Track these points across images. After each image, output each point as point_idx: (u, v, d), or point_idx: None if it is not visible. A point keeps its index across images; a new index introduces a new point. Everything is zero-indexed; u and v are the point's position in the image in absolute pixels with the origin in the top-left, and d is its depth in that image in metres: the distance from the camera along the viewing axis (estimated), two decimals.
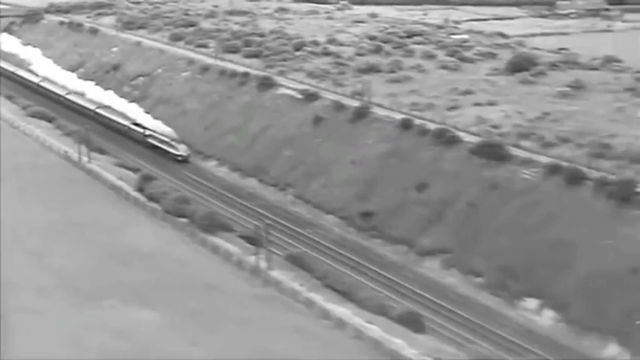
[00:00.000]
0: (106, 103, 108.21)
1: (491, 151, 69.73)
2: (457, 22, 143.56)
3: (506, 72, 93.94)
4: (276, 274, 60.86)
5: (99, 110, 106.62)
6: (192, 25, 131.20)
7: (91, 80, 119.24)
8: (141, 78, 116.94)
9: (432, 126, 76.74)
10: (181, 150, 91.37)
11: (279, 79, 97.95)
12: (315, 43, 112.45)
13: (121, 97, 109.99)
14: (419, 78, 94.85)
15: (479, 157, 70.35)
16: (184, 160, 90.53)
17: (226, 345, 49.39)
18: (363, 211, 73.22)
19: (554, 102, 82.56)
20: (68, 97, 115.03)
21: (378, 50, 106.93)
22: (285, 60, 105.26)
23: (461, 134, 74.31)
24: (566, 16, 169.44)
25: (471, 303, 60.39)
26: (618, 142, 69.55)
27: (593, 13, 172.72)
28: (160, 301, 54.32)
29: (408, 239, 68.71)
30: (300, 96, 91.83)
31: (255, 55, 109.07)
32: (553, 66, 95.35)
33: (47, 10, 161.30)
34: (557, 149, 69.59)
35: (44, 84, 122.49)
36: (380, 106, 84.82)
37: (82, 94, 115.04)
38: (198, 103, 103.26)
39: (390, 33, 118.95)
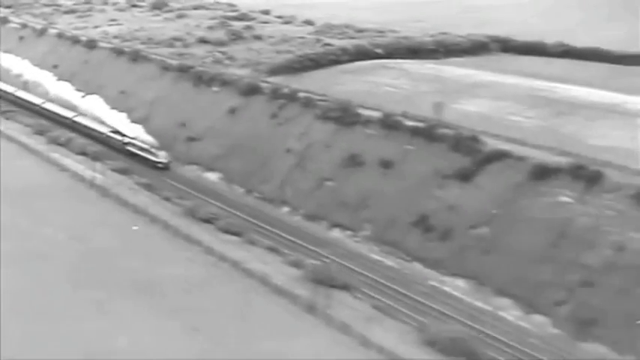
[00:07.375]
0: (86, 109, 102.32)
1: (90, 45, 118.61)
2: None
3: (149, 10, 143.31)
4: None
5: (77, 119, 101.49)
6: None
7: None
8: None
9: (73, 35, 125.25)
10: (161, 157, 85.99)
11: (13, 18, 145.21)
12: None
13: None
14: (96, 15, 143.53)
15: (84, 48, 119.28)
16: (165, 168, 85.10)
17: None
18: None
19: (156, 23, 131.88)
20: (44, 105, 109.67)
21: (87, 2, 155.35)
22: (25, 9, 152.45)
23: (84, 39, 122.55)
24: None
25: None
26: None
27: None
28: None
29: None
30: (18, 26, 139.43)
31: (9, 7, 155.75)
32: (182, 8, 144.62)
33: None
34: (130, 42, 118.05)
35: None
36: (54, 28, 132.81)
37: None
38: None
39: None
